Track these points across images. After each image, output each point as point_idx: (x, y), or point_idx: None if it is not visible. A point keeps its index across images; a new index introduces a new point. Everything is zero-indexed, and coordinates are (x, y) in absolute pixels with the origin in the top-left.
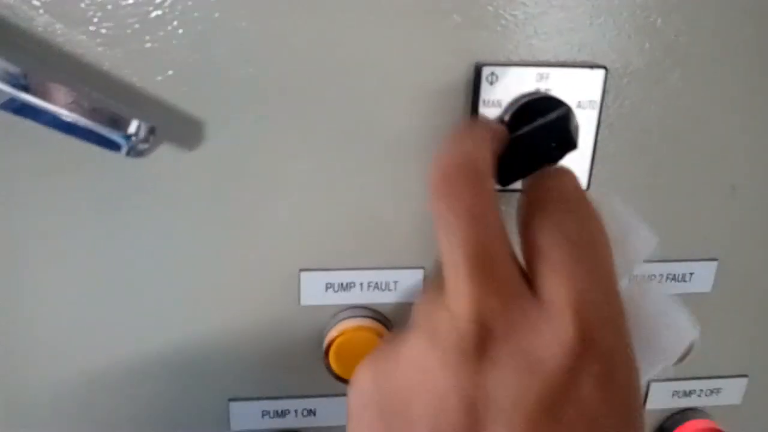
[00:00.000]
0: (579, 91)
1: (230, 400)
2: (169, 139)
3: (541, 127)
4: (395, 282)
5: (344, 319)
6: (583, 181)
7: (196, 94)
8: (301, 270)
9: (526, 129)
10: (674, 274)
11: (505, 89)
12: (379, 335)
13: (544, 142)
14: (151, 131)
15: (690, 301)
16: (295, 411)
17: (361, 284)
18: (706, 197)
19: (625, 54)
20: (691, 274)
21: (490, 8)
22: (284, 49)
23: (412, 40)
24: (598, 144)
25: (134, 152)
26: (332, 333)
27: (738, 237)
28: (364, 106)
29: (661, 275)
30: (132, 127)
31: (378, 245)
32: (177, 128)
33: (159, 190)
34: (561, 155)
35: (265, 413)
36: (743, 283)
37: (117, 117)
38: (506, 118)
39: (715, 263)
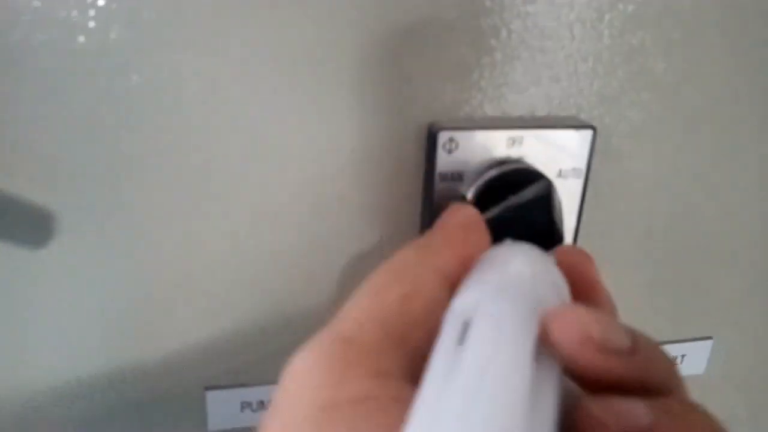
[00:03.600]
0: (560, 157)
1: None
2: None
3: (512, 213)
4: None
5: None
6: None
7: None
8: (207, 388)
9: (493, 211)
10: None
11: (468, 159)
12: None
13: (519, 232)
14: None
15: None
16: None
17: None
18: (705, 270)
19: (616, 108)
20: (683, 356)
21: (447, 52)
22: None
23: (349, 100)
24: (582, 218)
25: None
26: None
27: (736, 314)
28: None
29: None
30: None
31: None
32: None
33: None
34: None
35: None
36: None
37: None
38: (468, 195)
39: (709, 342)
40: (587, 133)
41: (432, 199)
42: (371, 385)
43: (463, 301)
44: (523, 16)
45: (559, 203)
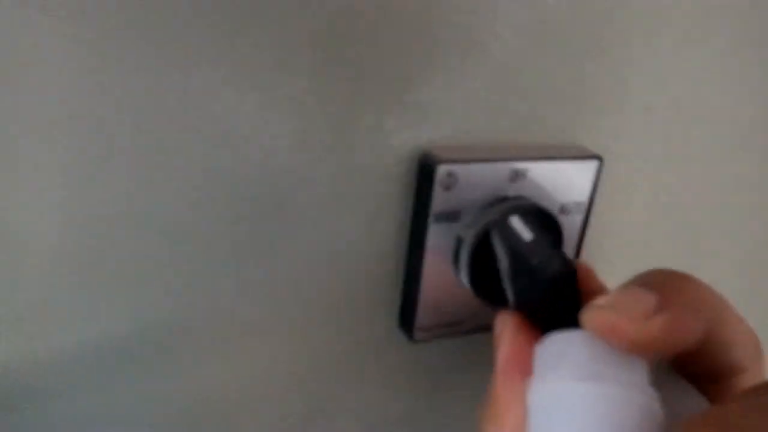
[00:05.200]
0: (563, 191)
1: None
2: None
3: (518, 277)
4: None
5: None
6: None
7: None
8: None
9: (509, 294)
10: None
11: (467, 195)
12: None
13: (541, 283)
14: None
15: None
16: None
17: None
18: None
19: (620, 133)
20: None
21: (441, 79)
22: None
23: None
24: (581, 255)
25: None
26: None
27: None
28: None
29: None
30: None
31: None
32: None
33: None
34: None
35: None
36: None
37: None
38: (467, 238)
39: None
40: (592, 164)
41: (423, 243)
42: None
43: None
44: (515, 28)
45: (528, 221)
